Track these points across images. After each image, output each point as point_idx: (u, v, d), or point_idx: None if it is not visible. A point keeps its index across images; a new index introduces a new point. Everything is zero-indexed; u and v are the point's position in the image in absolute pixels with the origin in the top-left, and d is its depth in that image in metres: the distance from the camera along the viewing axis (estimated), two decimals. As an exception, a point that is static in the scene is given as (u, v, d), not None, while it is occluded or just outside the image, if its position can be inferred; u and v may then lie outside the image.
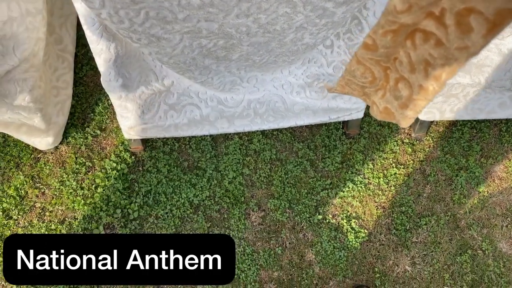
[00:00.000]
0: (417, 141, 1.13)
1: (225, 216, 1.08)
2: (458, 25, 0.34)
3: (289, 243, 1.06)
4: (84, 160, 1.10)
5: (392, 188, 1.09)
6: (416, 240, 1.06)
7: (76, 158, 1.10)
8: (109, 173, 1.08)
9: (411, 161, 1.12)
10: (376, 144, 1.13)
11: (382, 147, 1.13)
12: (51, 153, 1.10)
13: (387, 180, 1.10)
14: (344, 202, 1.08)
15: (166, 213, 1.06)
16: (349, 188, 1.09)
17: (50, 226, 1.05)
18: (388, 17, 0.38)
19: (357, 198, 1.08)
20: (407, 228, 1.07)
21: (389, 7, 0.37)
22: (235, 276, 1.03)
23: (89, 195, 1.07)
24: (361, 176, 1.10)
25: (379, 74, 0.47)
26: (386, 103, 0.49)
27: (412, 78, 0.43)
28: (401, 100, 0.46)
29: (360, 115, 1.06)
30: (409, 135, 1.14)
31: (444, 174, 1.11)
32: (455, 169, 1.11)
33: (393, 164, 1.11)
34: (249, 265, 1.04)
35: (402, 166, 1.11)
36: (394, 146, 1.13)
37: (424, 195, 1.09)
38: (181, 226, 1.06)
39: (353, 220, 1.07)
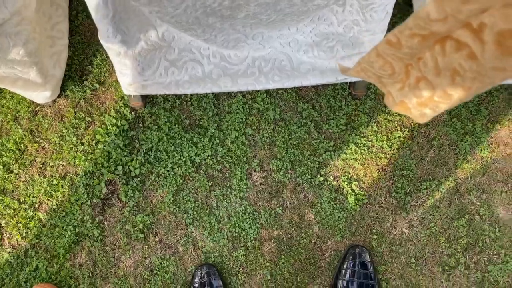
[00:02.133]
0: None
1: (227, 175, 1.08)
2: (498, 45, 0.31)
3: (290, 204, 1.07)
4: (83, 115, 1.07)
5: (395, 151, 1.08)
6: (415, 204, 1.07)
7: (75, 112, 1.07)
8: (109, 129, 1.06)
9: (416, 125, 1.10)
10: (382, 106, 1.10)
11: (388, 109, 1.10)
12: (49, 106, 1.08)
13: (390, 143, 1.08)
14: (346, 164, 1.08)
15: (168, 171, 1.06)
16: (352, 150, 1.08)
17: (52, 181, 1.05)
18: (419, 21, 0.34)
19: (359, 160, 1.08)
20: (407, 191, 1.07)
21: (422, 13, 0.33)
22: (236, 234, 1.05)
23: (90, 151, 1.06)
24: (365, 138, 1.08)
25: (399, 69, 0.44)
26: (403, 97, 0.47)
27: (436, 81, 0.40)
28: (421, 99, 0.43)
29: (368, 76, 1.02)
30: (417, 97, 1.11)
31: (448, 138, 1.09)
32: (460, 133, 1.09)
33: (398, 127, 1.09)
34: (249, 223, 1.06)
35: (407, 130, 1.09)
36: (401, 108, 1.10)
37: (427, 159, 1.08)
38: (183, 184, 1.06)
39: (354, 183, 1.07)
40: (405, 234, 1.06)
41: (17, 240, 1.03)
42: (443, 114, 1.10)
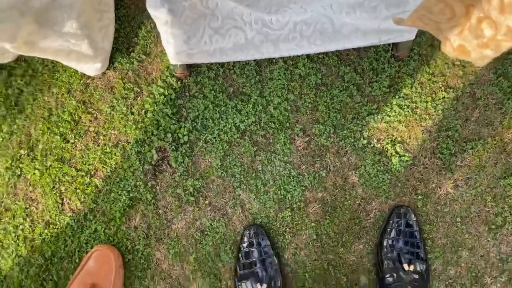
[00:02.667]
0: (469, 63, 1.08)
1: (271, 141, 1.10)
2: None
3: (333, 167, 1.09)
4: (131, 86, 1.12)
5: (440, 112, 1.08)
6: (461, 164, 1.07)
7: (124, 83, 1.12)
8: (157, 98, 1.10)
9: (461, 84, 1.08)
10: (426, 67, 1.09)
11: (432, 69, 1.09)
12: (99, 78, 1.13)
13: (435, 104, 1.08)
14: (390, 126, 1.08)
15: (214, 137, 1.10)
16: (395, 112, 1.08)
17: (105, 149, 1.11)
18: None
19: (403, 122, 1.08)
20: (452, 152, 1.07)
21: None
22: (281, 197, 1.08)
23: (140, 120, 1.11)
24: (409, 100, 1.08)
25: (460, 11, 0.45)
26: (462, 40, 0.47)
27: (500, 18, 0.41)
28: (482, 40, 0.44)
29: (412, 36, 1.02)
30: (461, 57, 1.09)
31: (494, 97, 1.08)
32: (507, 92, 1.07)
33: (442, 88, 1.08)
34: (294, 186, 1.09)
35: (452, 90, 1.08)
36: (445, 69, 1.09)
37: (472, 119, 1.08)
38: (229, 150, 1.10)
39: (398, 145, 1.08)
40: (450, 194, 1.07)
41: (76, 205, 1.10)
42: (488, 73, 1.08)
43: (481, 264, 1.05)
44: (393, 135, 1.08)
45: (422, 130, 1.08)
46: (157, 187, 1.10)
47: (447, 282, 1.06)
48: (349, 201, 1.08)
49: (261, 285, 1.01)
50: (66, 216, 1.10)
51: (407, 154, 1.07)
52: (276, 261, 1.05)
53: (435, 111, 1.08)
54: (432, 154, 1.08)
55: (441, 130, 1.08)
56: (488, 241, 1.06)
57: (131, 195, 1.09)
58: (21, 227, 1.10)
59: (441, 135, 1.07)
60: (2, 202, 1.11)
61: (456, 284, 1.05)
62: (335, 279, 1.06)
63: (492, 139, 1.07)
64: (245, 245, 1.05)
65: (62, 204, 1.10)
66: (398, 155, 1.07)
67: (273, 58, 1.10)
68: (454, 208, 1.06)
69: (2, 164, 1.11)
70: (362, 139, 1.08)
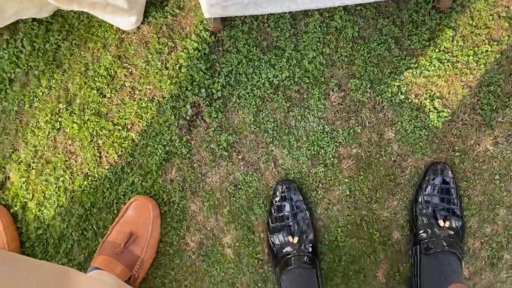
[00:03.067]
0: (516, 15, 1.03)
1: (305, 96, 1.09)
2: None
3: (369, 122, 1.07)
4: (166, 40, 1.12)
5: (482, 66, 1.04)
6: (502, 120, 1.04)
7: (158, 38, 1.12)
8: (191, 53, 1.10)
9: (506, 37, 1.04)
10: (469, 19, 1.04)
11: (475, 22, 1.04)
12: (134, 33, 1.13)
13: (477, 58, 1.04)
14: (429, 81, 1.05)
15: (247, 93, 1.09)
16: (435, 67, 1.05)
17: (141, 104, 1.12)
18: None
19: (443, 77, 1.05)
20: (494, 108, 1.04)
21: None
22: (315, 152, 1.08)
23: (174, 75, 1.11)
24: (449, 54, 1.05)
25: None
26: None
27: None
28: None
29: (456, -15, 0.97)
30: (507, 7, 1.04)
31: (542, 51, 1.03)
32: (555, 46, 1.02)
33: (486, 41, 1.04)
34: (328, 142, 1.08)
35: (496, 43, 1.04)
36: (489, 20, 1.04)
37: (517, 74, 1.03)
38: (262, 106, 1.10)
39: (437, 100, 1.05)
40: (490, 151, 1.04)
41: (113, 158, 1.13)
42: (537, 26, 1.03)
43: (519, 222, 1.04)
44: (431, 90, 1.05)
45: (463, 85, 1.05)
46: (192, 142, 1.11)
47: (482, 240, 1.05)
48: (384, 158, 1.07)
49: (293, 238, 1.02)
50: (104, 168, 1.13)
51: (445, 110, 1.05)
52: (308, 215, 1.06)
53: (476, 65, 1.04)
54: (472, 110, 1.05)
55: (482, 85, 1.04)
56: (528, 199, 1.03)
57: (166, 149, 1.11)
58: (61, 178, 1.14)
59: (482, 90, 1.04)
60: (43, 154, 1.15)
61: (492, 242, 1.04)
62: (368, 234, 1.07)
63: (537, 94, 1.02)
64: (277, 199, 1.06)
65: (100, 157, 1.13)
66: (436, 111, 1.05)
67: (309, 10, 1.08)
68: (493, 165, 1.04)
69: (42, 118, 1.14)
70: (399, 94, 1.06)
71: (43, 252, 1.14)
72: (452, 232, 0.99)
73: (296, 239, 1.02)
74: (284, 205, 1.06)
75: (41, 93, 1.14)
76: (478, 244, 1.05)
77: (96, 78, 1.13)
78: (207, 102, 1.10)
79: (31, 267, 0.69)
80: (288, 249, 1.02)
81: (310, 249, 1.03)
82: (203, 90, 1.10)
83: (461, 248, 0.99)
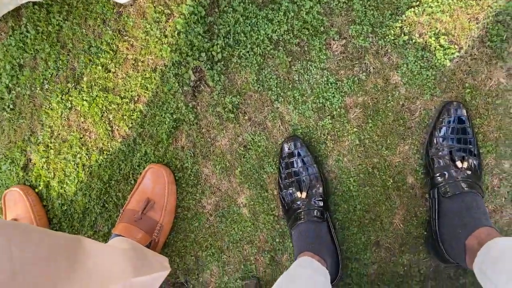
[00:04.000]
0: None
1: (305, 48, 1.07)
2: None
3: (373, 68, 1.05)
4: (162, 8, 1.12)
5: (488, -4, 0.99)
6: (514, 51, 0.99)
7: (154, 7, 1.12)
8: (188, 18, 1.10)
9: (513, -38, 0.97)
10: None
11: (478, -51, 0.99)
12: (131, 5, 1.14)
13: (482, -12, 0.99)
14: (432, 18, 1.01)
15: (248, 52, 1.09)
16: (438, 2, 1.00)
17: (145, 75, 1.14)
18: None
19: (447, 12, 1.00)
20: (504, 38, 0.99)
21: None
22: (320, 105, 1.07)
23: (174, 42, 1.12)
24: (452, -13, 1.00)
25: None
26: None
27: None
28: None
29: None
30: None
31: (553, -28, 0.96)
32: None
33: (491, -31, 0.98)
34: (333, 93, 1.06)
35: (502, -31, 0.98)
36: None
37: (527, 0, 0.97)
38: (264, 63, 1.09)
39: (442, 37, 1.01)
40: (503, 84, 1.00)
41: (125, 130, 1.15)
42: None
43: (539, 155, 0.99)
44: (436, 28, 1.01)
45: (469, 18, 1.00)
46: (198, 107, 1.12)
47: (501, 176, 1.02)
48: (392, 103, 1.04)
49: (301, 193, 1.03)
50: (117, 142, 1.16)
51: (452, 46, 1.00)
52: (316, 170, 1.05)
53: (483, -4, 0.99)
54: (481, 43, 1.00)
55: (490, 15, 0.99)
56: (547, 130, 0.99)
57: (174, 116, 1.13)
58: (78, 155, 1.18)
59: (490, 21, 0.99)
60: (59, 134, 1.19)
61: (511, 177, 1.01)
62: (381, 181, 1.06)
63: (551, 18, 0.96)
64: (284, 156, 1.06)
65: (112, 131, 1.16)
66: (442, 48, 1.01)
67: (301, -40, 1.05)
68: (507, 98, 1.00)
69: (54, 99, 1.18)
70: (402, 35, 1.02)
71: (70, 226, 1.19)
72: (470, 172, 0.96)
73: (304, 194, 1.02)
74: (291, 161, 1.05)
75: (49, 75, 1.18)
76: (496, 182, 1.02)
77: (99, 54, 1.16)
78: (209, 66, 1.10)
79: (45, 234, 0.73)
80: (297, 204, 1.03)
81: (320, 203, 1.03)
82: (203, 54, 1.10)
83: (481, 188, 0.96)
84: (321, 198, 1.03)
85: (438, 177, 0.98)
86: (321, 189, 1.04)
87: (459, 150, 0.98)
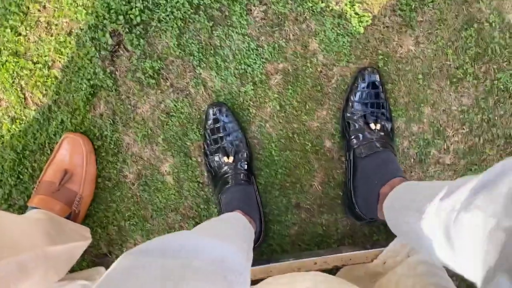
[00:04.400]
0: None
1: (227, 13, 1.07)
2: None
3: (293, 35, 1.07)
4: (75, -32, 1.06)
5: (399, -34, 1.03)
6: (421, 19, 1.04)
7: (67, -34, 1.06)
8: (104, -21, 1.05)
9: None
10: None
11: None
12: (41, -37, 1.07)
13: (394, -42, 1.03)
14: (348, -14, 1.04)
15: (167, 15, 1.06)
16: (352, -30, 1.03)
17: (59, 39, 1.08)
18: None
19: (361, -20, 1.04)
20: (413, 7, 1.04)
21: None
22: (242, 71, 1.08)
23: (89, 5, 1.06)
24: (366, -45, 1.03)
25: None
26: None
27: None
28: None
29: None
30: None
31: None
32: None
33: None
34: (254, 59, 1.07)
35: None
36: None
37: (433, -29, 1.03)
38: (185, 28, 1.07)
39: (357, 5, 1.04)
40: (412, 51, 1.06)
41: (39, 98, 1.09)
42: None
43: (443, 118, 1.07)
44: (351, -5, 1.04)
45: (381, -13, 1.04)
46: (117, 73, 1.09)
47: (410, 139, 1.08)
48: (310, 69, 1.07)
49: (228, 157, 1.03)
50: (31, 110, 1.10)
51: (366, 14, 1.04)
52: (241, 135, 1.06)
53: (394, -35, 1.03)
54: (392, 12, 1.05)
55: (400, -15, 1.03)
56: (450, 95, 1.06)
57: (91, 82, 1.08)
58: (-12, 125, 1.10)
59: (400, -10, 1.03)
60: (-35, 102, 1.10)
61: (419, 140, 1.08)
62: (301, 145, 1.09)
63: (454, -11, 1.03)
64: (209, 122, 1.06)
65: (25, 98, 1.10)
66: (357, 16, 1.04)
67: None
68: (415, 65, 1.06)
69: (-43, 64, 1.09)
70: (320, 2, 1.05)
71: (-19, 200, 1.12)
72: (383, 134, 1.01)
73: (231, 159, 1.04)
74: (217, 127, 1.06)
75: (-49, 38, 1.08)
76: (406, 144, 1.09)
77: (8, 16, 1.08)
78: (127, 29, 1.06)
79: None
80: (224, 169, 1.04)
81: (246, 166, 1.04)
82: (121, 17, 1.06)
83: (393, 148, 1.02)
84: (246, 162, 1.05)
85: (354, 139, 1.02)
86: (246, 153, 1.05)
87: (372, 113, 1.03)
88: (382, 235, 1.11)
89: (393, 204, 0.82)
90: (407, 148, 1.09)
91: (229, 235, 0.72)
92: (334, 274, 1.01)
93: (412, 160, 1.09)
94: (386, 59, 1.06)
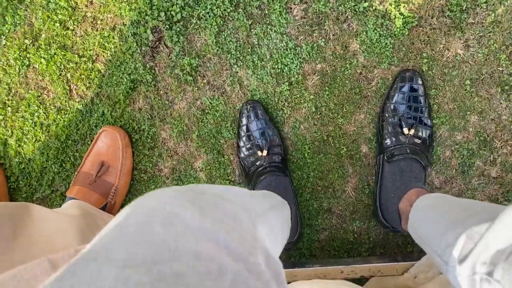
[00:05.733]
0: None
1: (266, 12, 1.05)
2: None
3: (333, 35, 1.03)
4: (121, -35, 1.08)
5: (451, -36, 0.97)
6: (473, 21, 0.98)
7: (113, -37, 1.09)
8: (147, -25, 1.07)
9: None
10: None
11: None
12: (90, -40, 1.10)
13: (445, -44, 0.96)
14: (393, -15, 0.99)
15: (207, 12, 1.06)
16: (399, -32, 0.98)
17: (104, 33, 1.11)
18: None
19: (408, -21, 0.98)
20: (464, 8, 0.97)
21: None
22: (279, 71, 1.06)
23: (132, 1, 1.09)
24: (415, -48, 0.97)
25: None
26: None
27: None
28: None
29: None
30: None
31: None
32: None
33: None
34: (292, 59, 1.05)
35: None
36: None
37: (489, -31, 0.96)
38: (223, 25, 1.07)
39: (402, 5, 0.99)
40: (460, 55, 0.99)
41: (83, 90, 1.14)
42: None
43: (491, 128, 1.00)
44: (397, -5, 0.99)
45: (430, -14, 0.98)
46: (156, 68, 1.11)
47: (453, 148, 1.02)
48: (349, 70, 1.03)
49: (262, 152, 1.02)
50: (75, 101, 1.15)
51: (412, 15, 0.99)
52: (276, 131, 1.05)
53: (445, -37, 0.97)
54: (441, 12, 0.98)
55: (451, -16, 0.97)
56: (501, 103, 0.99)
57: (132, 77, 1.11)
58: (36, 114, 1.16)
59: (451, -10, 0.97)
60: (16, 92, 1.17)
61: (463, 150, 1.02)
62: (335, 149, 1.06)
63: (511, -11, 0.95)
64: (244, 119, 1.06)
65: (70, 90, 1.15)
66: (402, 17, 0.99)
67: None
68: (463, 70, 0.99)
69: (11, 55, 1.15)
70: (363, 1, 1.01)
71: (27, 185, 1.19)
72: (418, 141, 0.96)
73: (265, 152, 1.02)
74: (251, 124, 1.05)
75: (7, 31, 1.15)
76: (448, 153, 1.02)
77: (58, 11, 1.13)
78: (168, 26, 1.08)
79: None
80: (259, 162, 1.02)
81: (280, 160, 1.03)
82: (162, 14, 1.07)
83: (427, 157, 0.96)
84: (281, 157, 1.03)
85: (386, 142, 0.98)
86: (281, 149, 1.04)
87: (409, 117, 0.98)
88: (416, 246, 1.06)
89: (416, 231, 0.78)
90: (449, 158, 1.03)
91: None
92: (362, 284, 0.98)
93: (454, 170, 1.03)
94: (431, 62, 1.00)
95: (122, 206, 1.15)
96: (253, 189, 1.02)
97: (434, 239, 0.67)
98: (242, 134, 1.06)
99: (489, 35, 0.97)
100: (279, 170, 1.00)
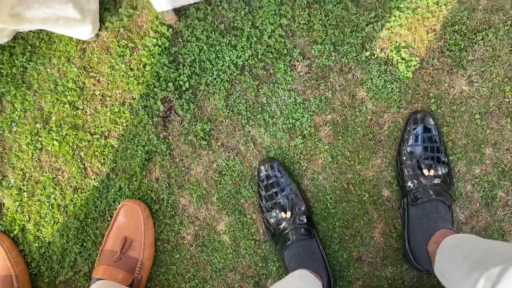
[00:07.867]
0: None
1: (271, 71, 1.08)
2: None
3: (339, 86, 1.06)
4: (126, 42, 1.12)
5: (443, 7, 1.01)
6: (472, 58, 1.01)
7: (118, 41, 1.12)
8: (152, 49, 1.10)
9: (463, -27, 1.00)
10: (421, -38, 1.01)
11: (428, -37, 1.01)
12: (94, 41, 1.13)
13: (436, 0, 1.01)
14: (392, 33, 1.03)
15: (214, 78, 1.09)
16: (395, 17, 1.02)
17: (114, 109, 1.13)
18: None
19: (405, 26, 1.02)
20: (462, 47, 1.01)
21: None
22: (291, 126, 1.08)
23: (140, 75, 1.11)
24: (407, 1, 1.02)
25: None
26: None
27: None
28: None
29: None
30: None
31: (502, -20, 0.99)
32: (515, -29, 0.98)
33: (443, -19, 1.01)
34: (302, 113, 1.07)
35: (453, -19, 1.01)
36: (443, -41, 1.01)
37: (479, 8, 1.00)
38: (231, 89, 1.09)
39: (403, 50, 1.03)
40: (465, 91, 1.02)
41: (97, 167, 1.14)
42: (492, -46, 0.99)
43: (507, 158, 1.01)
44: (396, 41, 1.03)
45: (427, 30, 1.02)
46: (169, 137, 1.12)
47: (473, 182, 1.03)
48: (360, 118, 1.05)
49: (285, 213, 1.02)
50: (91, 179, 1.15)
51: (413, 58, 1.02)
52: (296, 188, 1.05)
53: (437, 7, 1.01)
54: (441, 53, 1.02)
55: (446, 26, 1.01)
56: (512, 133, 1.01)
57: (146, 148, 1.12)
58: (52, 196, 1.16)
59: (447, 32, 1.01)
60: (31, 176, 1.17)
61: (483, 182, 1.02)
62: (357, 196, 1.06)
63: (504, 24, 0.99)
64: (262, 179, 1.06)
65: (85, 168, 1.15)
66: (404, 61, 1.03)
67: (259, -15, 1.06)
68: (471, 105, 1.02)
69: (23, 141, 1.16)
70: (364, 51, 1.04)
71: (49, 269, 1.16)
72: (439, 180, 0.97)
73: (289, 214, 1.02)
74: (270, 183, 1.05)
75: (17, 117, 1.16)
76: (469, 187, 1.03)
77: (66, 93, 1.15)
78: (177, 95, 1.10)
79: None
80: (283, 225, 1.02)
81: (305, 220, 1.02)
82: (170, 84, 1.10)
83: (450, 195, 0.97)
84: (305, 216, 1.03)
85: (408, 185, 0.99)
86: (303, 206, 1.04)
87: (427, 158, 0.99)
88: (453, 285, 1.04)
89: (442, 273, 0.78)
90: (470, 192, 1.03)
91: None
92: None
93: (478, 204, 1.03)
94: (438, 101, 1.02)
95: (148, 279, 1.13)
96: (281, 252, 1.02)
97: (458, 281, 0.68)
98: (263, 193, 1.06)
99: (491, 69, 1.00)
100: (305, 231, 1.00)
